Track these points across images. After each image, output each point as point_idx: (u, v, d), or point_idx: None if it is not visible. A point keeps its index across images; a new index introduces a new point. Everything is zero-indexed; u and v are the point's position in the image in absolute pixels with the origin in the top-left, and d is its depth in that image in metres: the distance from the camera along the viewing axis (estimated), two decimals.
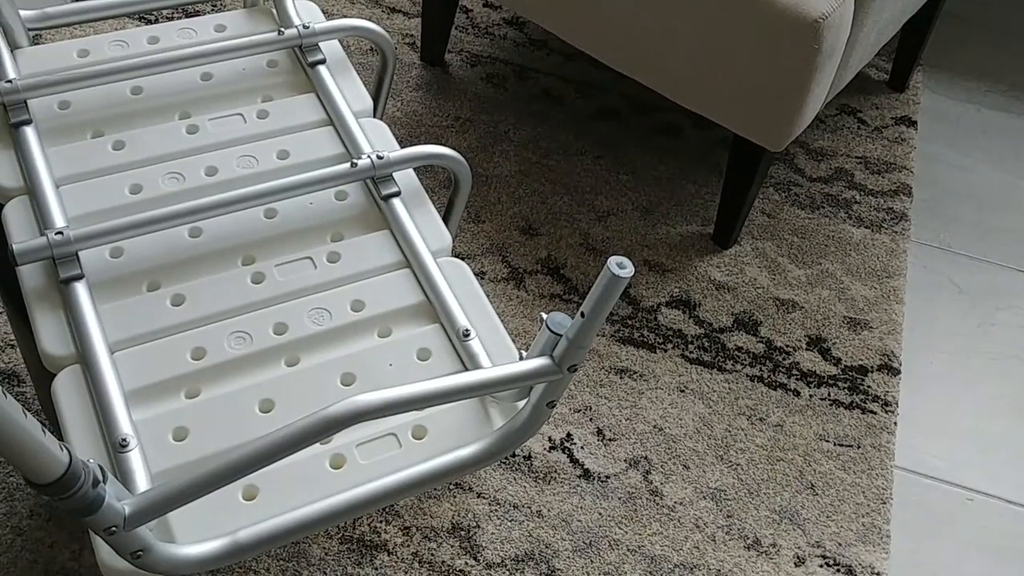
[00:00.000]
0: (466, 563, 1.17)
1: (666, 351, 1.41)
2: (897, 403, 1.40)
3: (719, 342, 1.44)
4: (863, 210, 1.65)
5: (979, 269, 1.63)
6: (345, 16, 1.59)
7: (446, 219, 1.02)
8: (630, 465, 1.29)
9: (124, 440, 0.75)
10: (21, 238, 0.87)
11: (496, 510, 1.22)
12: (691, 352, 1.42)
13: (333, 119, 1.01)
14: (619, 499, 1.25)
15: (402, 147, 0.97)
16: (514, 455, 1.28)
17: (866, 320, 1.50)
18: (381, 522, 1.20)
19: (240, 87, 1.04)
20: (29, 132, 0.94)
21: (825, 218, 1.63)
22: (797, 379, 1.41)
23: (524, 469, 1.27)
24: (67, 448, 0.58)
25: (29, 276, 0.85)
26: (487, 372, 0.72)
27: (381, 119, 1.05)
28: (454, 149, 0.99)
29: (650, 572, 1.20)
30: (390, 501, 0.76)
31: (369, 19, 1.09)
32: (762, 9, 1.26)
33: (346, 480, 0.76)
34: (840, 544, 1.25)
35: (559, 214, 1.56)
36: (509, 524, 1.21)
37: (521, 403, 0.79)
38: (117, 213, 0.89)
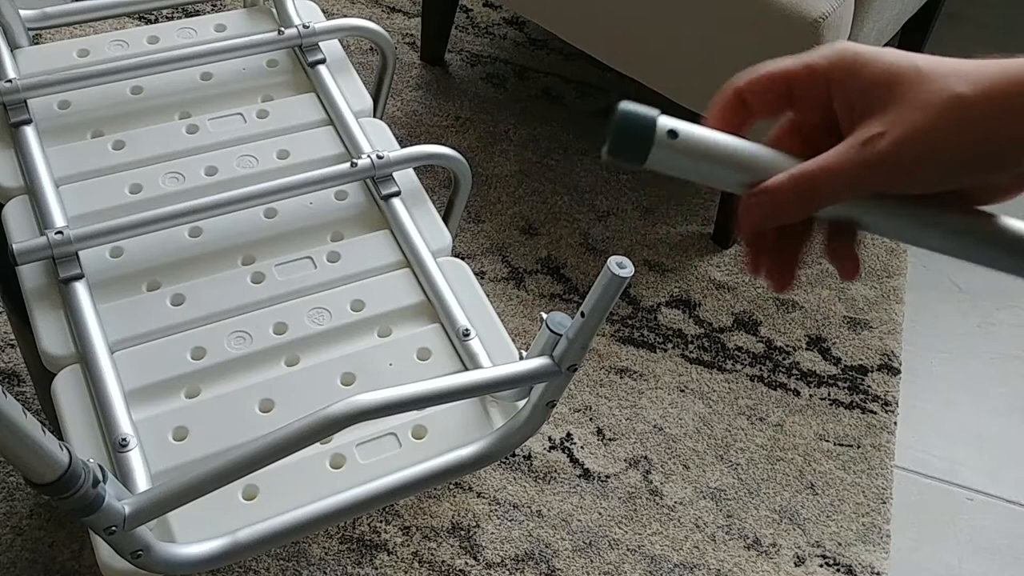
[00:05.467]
0: (466, 563, 1.17)
1: (666, 351, 1.41)
2: (897, 403, 1.40)
3: (719, 342, 1.44)
4: None
5: (979, 269, 1.62)
6: (345, 16, 1.58)
7: (446, 219, 1.01)
8: (630, 465, 1.29)
9: (124, 440, 0.74)
10: (21, 238, 0.87)
11: (496, 510, 1.22)
12: (691, 352, 1.42)
13: (333, 119, 1.01)
14: (619, 499, 1.25)
15: (402, 147, 0.97)
16: (514, 455, 1.28)
17: (866, 320, 1.50)
18: (381, 522, 1.20)
19: (240, 87, 1.04)
20: (29, 132, 0.94)
21: None
22: (797, 379, 1.41)
23: (524, 469, 1.27)
24: (67, 448, 0.58)
25: (29, 276, 0.85)
26: (487, 372, 0.72)
27: (381, 119, 1.05)
28: (454, 149, 0.98)
29: (650, 572, 1.20)
30: (390, 501, 0.76)
31: (369, 19, 1.08)
32: (762, 9, 1.26)
33: (346, 480, 0.76)
34: (840, 544, 1.25)
35: (559, 214, 1.56)
36: (509, 524, 1.21)
37: (521, 403, 0.79)
38: (117, 213, 0.89)
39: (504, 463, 1.27)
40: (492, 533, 1.20)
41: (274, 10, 1.10)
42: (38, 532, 1.13)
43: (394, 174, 0.96)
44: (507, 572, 1.18)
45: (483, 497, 1.23)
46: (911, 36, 1.79)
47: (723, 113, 0.47)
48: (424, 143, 1.42)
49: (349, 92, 1.04)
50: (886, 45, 1.72)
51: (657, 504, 1.26)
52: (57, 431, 0.73)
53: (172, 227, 0.89)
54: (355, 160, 0.95)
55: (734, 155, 0.47)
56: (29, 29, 1.04)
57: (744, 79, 0.46)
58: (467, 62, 1.78)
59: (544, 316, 0.72)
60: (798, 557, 1.23)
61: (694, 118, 0.48)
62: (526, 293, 1.45)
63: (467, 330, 0.85)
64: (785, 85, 0.45)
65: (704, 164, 0.48)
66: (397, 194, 0.95)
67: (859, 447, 1.35)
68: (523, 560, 1.19)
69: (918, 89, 0.40)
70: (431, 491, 1.23)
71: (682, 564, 1.21)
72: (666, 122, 0.47)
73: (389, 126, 1.03)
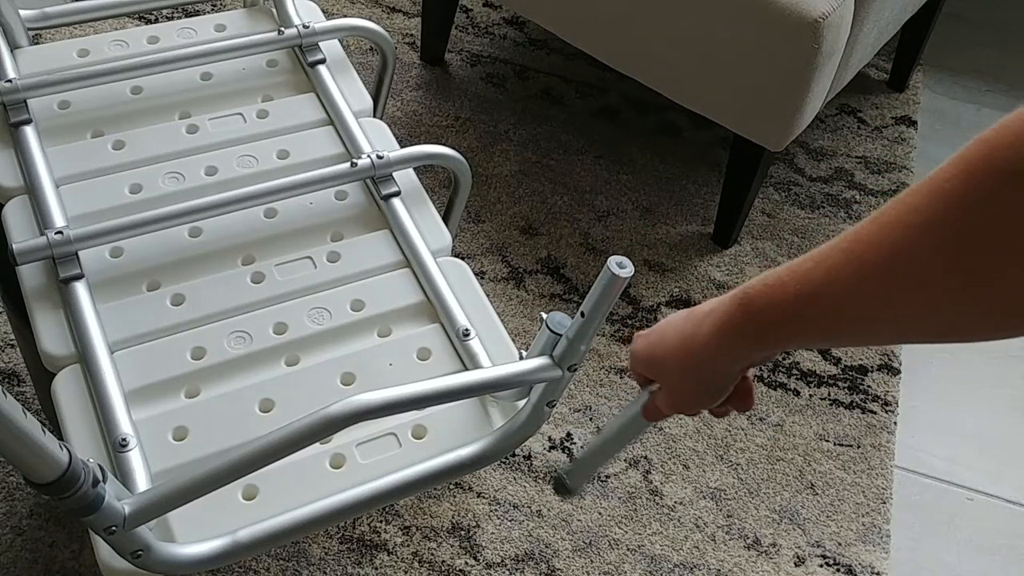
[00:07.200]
0: (466, 563, 1.17)
1: None
2: (897, 403, 1.40)
3: None
4: (863, 210, 1.65)
5: None
6: (345, 16, 1.58)
7: (446, 219, 1.02)
8: (630, 465, 1.29)
9: (124, 440, 0.74)
10: (21, 238, 0.87)
11: (496, 510, 1.22)
12: None
13: (333, 119, 1.01)
14: (619, 499, 1.25)
15: (402, 147, 0.97)
16: (514, 455, 1.28)
17: None
18: (381, 522, 1.20)
19: (240, 87, 1.04)
20: (29, 132, 0.94)
21: (825, 218, 1.63)
22: (797, 379, 1.41)
23: (524, 469, 1.27)
24: (67, 448, 0.58)
25: (29, 276, 0.85)
26: (487, 372, 0.72)
27: (381, 119, 1.05)
28: (454, 149, 0.99)
29: (650, 572, 1.20)
30: (390, 501, 0.76)
31: (369, 19, 1.09)
32: (762, 9, 1.26)
33: (346, 480, 0.76)
34: (840, 544, 1.25)
35: (559, 214, 1.56)
36: (509, 524, 1.21)
37: (521, 403, 0.79)
38: (117, 213, 0.89)
39: (504, 463, 1.27)
40: (492, 533, 1.20)
41: (274, 10, 1.10)
42: (38, 532, 1.13)
43: (394, 174, 0.96)
44: (507, 572, 1.18)
45: (483, 497, 1.23)
46: (911, 36, 1.79)
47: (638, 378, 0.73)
48: (424, 143, 1.42)
49: (349, 92, 1.04)
50: (886, 45, 1.73)
51: (657, 504, 1.26)
52: (57, 431, 0.74)
53: (172, 227, 0.89)
54: (355, 160, 0.95)
55: (605, 444, 0.79)
56: (29, 29, 1.04)
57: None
58: (467, 62, 1.78)
59: (544, 316, 0.72)
60: (798, 557, 1.23)
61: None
62: (526, 293, 1.45)
63: (467, 330, 0.85)
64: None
65: (604, 456, 0.82)
66: (397, 194, 0.95)
67: (859, 447, 1.35)
68: (523, 560, 1.19)
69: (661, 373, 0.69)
70: (431, 491, 1.23)
71: (682, 564, 1.21)
72: (569, 486, 0.85)
73: (389, 126, 1.03)
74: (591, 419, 1.32)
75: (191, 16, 1.10)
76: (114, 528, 0.63)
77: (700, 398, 0.67)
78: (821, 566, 1.22)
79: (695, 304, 1.47)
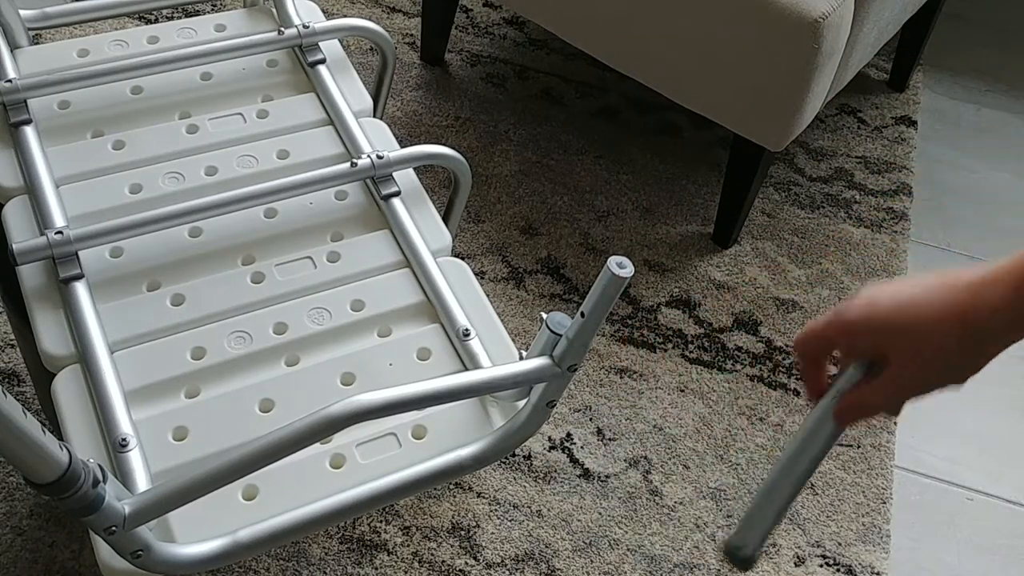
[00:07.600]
0: (466, 563, 1.17)
1: (666, 351, 1.41)
2: None
3: (719, 342, 1.44)
4: (863, 210, 1.65)
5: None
6: (345, 16, 1.58)
7: (446, 219, 1.02)
8: (630, 465, 1.29)
9: (124, 440, 0.75)
10: (21, 238, 0.87)
11: (496, 510, 1.22)
12: (691, 352, 1.42)
13: (333, 119, 1.01)
14: (619, 499, 1.25)
15: (402, 147, 0.97)
16: (514, 455, 1.28)
17: None
18: (381, 522, 1.20)
19: (240, 87, 1.04)
20: (29, 132, 0.94)
21: (825, 218, 1.63)
22: (797, 379, 1.41)
23: (524, 469, 1.27)
24: (67, 448, 0.58)
25: (29, 276, 0.85)
26: (487, 372, 0.72)
27: (381, 119, 1.05)
28: (454, 149, 0.99)
29: (650, 572, 1.20)
30: (390, 501, 0.76)
31: (369, 19, 1.09)
32: (762, 9, 1.26)
33: (346, 480, 0.76)
34: (840, 544, 1.25)
35: (559, 214, 1.56)
36: (509, 524, 1.21)
37: (521, 403, 0.79)
38: (117, 213, 0.89)
39: (504, 463, 1.27)
40: (492, 533, 1.20)
41: (274, 10, 1.10)
42: (38, 532, 1.13)
43: (394, 174, 0.96)
44: (507, 572, 1.18)
45: (483, 497, 1.23)
46: (911, 36, 1.79)
47: (816, 375, 0.64)
48: (424, 143, 1.42)
49: (349, 92, 1.04)
50: (886, 45, 1.73)
51: (657, 504, 1.26)
52: (57, 431, 0.74)
53: (172, 227, 0.89)
54: (355, 160, 0.95)
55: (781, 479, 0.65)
56: (29, 29, 1.04)
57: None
58: (467, 62, 1.78)
59: (544, 316, 0.72)
60: (798, 557, 1.23)
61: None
62: (526, 293, 1.45)
63: (467, 330, 0.85)
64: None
65: (782, 492, 0.65)
66: (397, 194, 0.95)
67: (859, 447, 1.35)
68: (523, 560, 1.19)
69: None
70: (431, 491, 1.23)
71: (682, 564, 1.21)
72: (743, 553, 0.66)
73: (389, 126, 1.03)
74: (591, 419, 1.33)
75: (191, 16, 1.10)
76: (114, 528, 0.63)
77: (953, 374, 0.61)
78: (821, 566, 1.22)
79: (695, 304, 1.48)
